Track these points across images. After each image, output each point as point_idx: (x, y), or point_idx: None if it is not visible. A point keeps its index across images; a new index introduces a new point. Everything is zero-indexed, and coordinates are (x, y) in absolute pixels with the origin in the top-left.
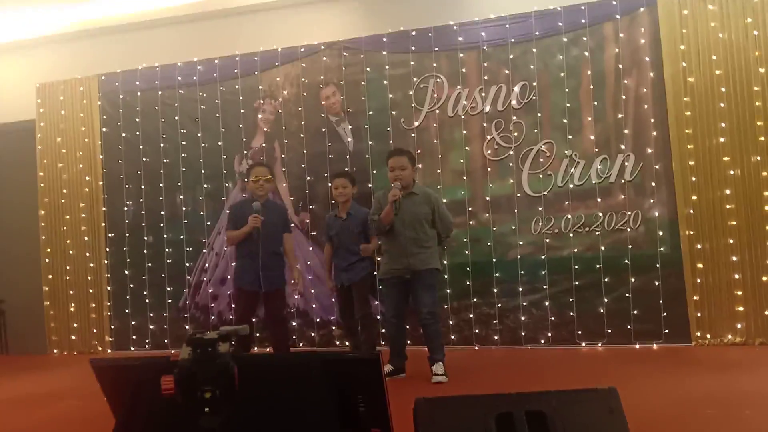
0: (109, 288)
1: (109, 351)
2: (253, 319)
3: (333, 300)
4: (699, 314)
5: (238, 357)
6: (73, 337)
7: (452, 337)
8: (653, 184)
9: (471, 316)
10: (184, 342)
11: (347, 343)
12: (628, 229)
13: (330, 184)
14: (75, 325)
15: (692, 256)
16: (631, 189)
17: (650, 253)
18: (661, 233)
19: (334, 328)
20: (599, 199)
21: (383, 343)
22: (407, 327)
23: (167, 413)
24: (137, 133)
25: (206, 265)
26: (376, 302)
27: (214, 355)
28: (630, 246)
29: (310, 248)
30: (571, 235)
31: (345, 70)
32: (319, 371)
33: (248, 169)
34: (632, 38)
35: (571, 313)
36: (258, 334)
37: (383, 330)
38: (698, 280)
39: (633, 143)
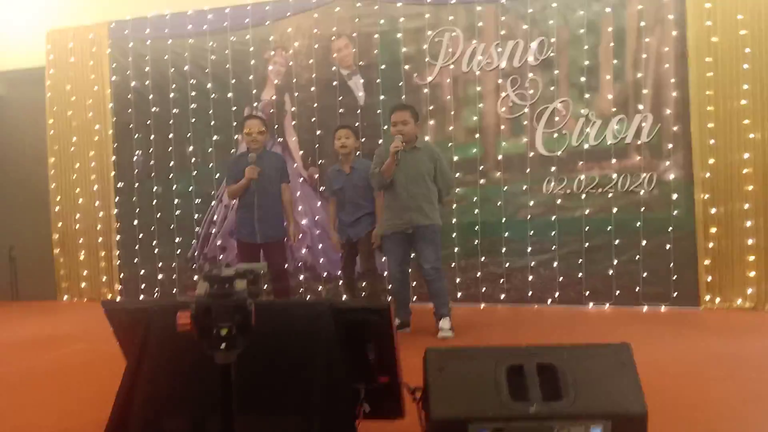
0: (118, 237)
1: (118, 299)
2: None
3: (340, 255)
4: (709, 278)
5: (254, 297)
6: (83, 285)
7: (459, 294)
8: (670, 146)
9: (478, 274)
10: (201, 278)
11: (344, 297)
12: (642, 191)
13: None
14: (84, 272)
15: (706, 220)
16: (647, 150)
17: (663, 216)
18: (675, 196)
19: (341, 282)
20: (614, 160)
21: (388, 298)
22: (413, 283)
23: (179, 353)
24: (147, 82)
25: (215, 217)
26: (384, 259)
27: (231, 292)
28: (643, 208)
29: (319, 203)
30: (584, 196)
31: (358, 22)
32: (329, 318)
33: (242, 122)
34: None
35: (580, 274)
36: (266, 287)
37: (390, 286)
38: (710, 245)
39: (651, 103)
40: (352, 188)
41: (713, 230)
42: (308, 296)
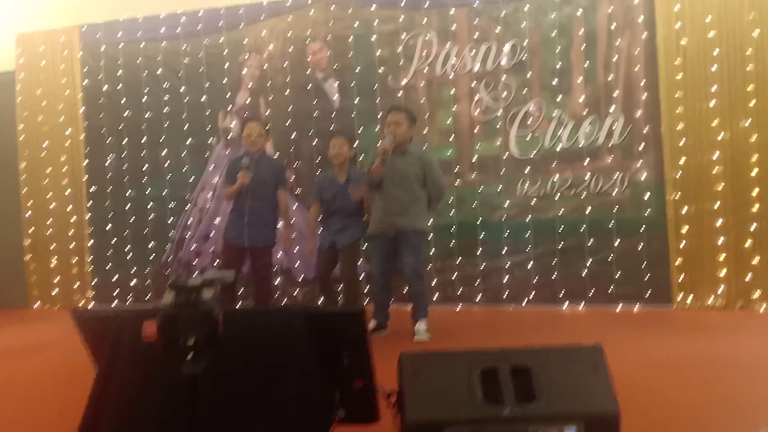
0: (90, 243)
1: (91, 305)
2: (239, 274)
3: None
4: (681, 277)
5: (223, 307)
6: (55, 291)
7: (435, 296)
8: (641, 146)
9: (454, 276)
10: (167, 287)
11: (319, 302)
12: (615, 192)
13: (313, 144)
14: (56, 279)
15: (677, 220)
16: (618, 151)
17: (635, 216)
18: (647, 196)
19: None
20: (587, 161)
21: (365, 303)
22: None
23: (148, 362)
24: (119, 86)
25: (189, 221)
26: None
27: (198, 301)
28: (615, 208)
29: (295, 205)
30: (557, 197)
31: (332, 25)
32: (302, 325)
33: (242, 125)
34: None
35: (554, 275)
36: (242, 290)
37: (370, 288)
38: (682, 244)
39: (623, 105)
40: (345, 199)
41: (684, 230)
42: (284, 300)
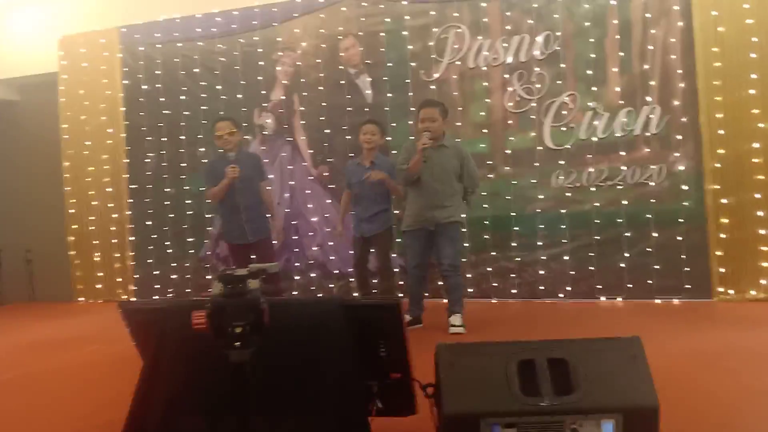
0: (132, 238)
1: (133, 299)
2: None
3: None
4: (722, 270)
5: (267, 296)
6: (98, 286)
7: (470, 290)
8: (679, 137)
9: (489, 269)
10: (215, 278)
11: (356, 294)
12: (652, 183)
13: (347, 139)
14: (99, 274)
15: (717, 211)
16: (656, 142)
17: (674, 207)
18: (686, 187)
19: (352, 279)
20: (623, 153)
21: (400, 295)
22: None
23: (194, 352)
24: (158, 85)
25: None
26: (393, 255)
27: (245, 291)
28: (653, 200)
29: (329, 201)
30: (593, 189)
31: (364, 21)
32: (339, 316)
33: (213, 124)
34: None
35: (591, 268)
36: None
37: (401, 282)
38: (722, 235)
39: (659, 95)
40: (370, 184)
41: (725, 221)
42: (320, 294)
